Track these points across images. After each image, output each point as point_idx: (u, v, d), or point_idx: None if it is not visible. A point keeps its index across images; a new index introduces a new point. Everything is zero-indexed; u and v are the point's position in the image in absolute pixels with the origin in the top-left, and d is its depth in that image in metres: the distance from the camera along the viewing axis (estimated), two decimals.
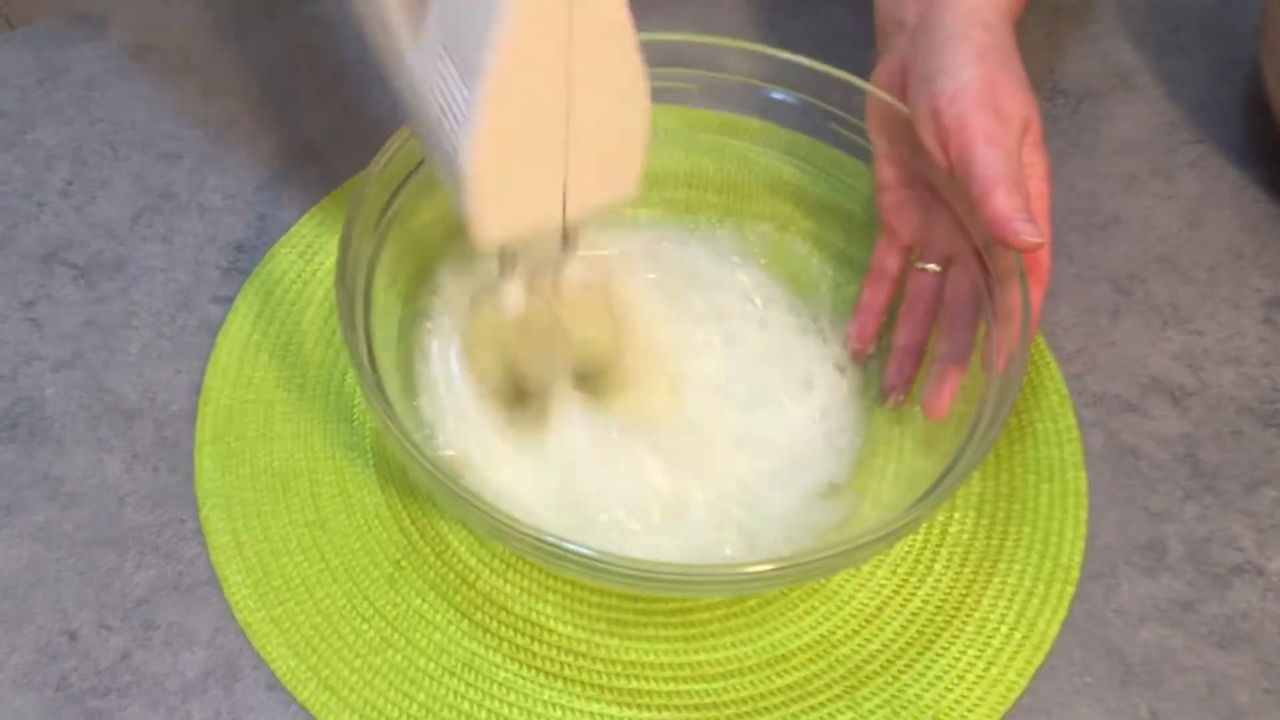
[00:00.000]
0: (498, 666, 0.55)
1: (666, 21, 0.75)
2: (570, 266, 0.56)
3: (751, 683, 0.55)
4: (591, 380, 0.58)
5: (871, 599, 0.58)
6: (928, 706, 0.55)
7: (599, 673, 0.55)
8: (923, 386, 0.59)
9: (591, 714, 0.54)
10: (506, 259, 0.54)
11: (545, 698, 0.54)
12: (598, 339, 0.59)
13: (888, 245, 0.62)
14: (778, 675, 0.55)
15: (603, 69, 0.46)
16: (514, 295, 0.55)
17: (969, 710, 0.55)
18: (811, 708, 0.55)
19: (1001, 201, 0.53)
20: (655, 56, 0.48)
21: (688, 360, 0.61)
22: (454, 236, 0.62)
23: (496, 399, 0.58)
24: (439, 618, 0.56)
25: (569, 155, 0.48)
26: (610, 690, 0.55)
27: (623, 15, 0.45)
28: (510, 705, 0.54)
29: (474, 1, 0.44)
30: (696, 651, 0.56)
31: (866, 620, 0.57)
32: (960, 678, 0.56)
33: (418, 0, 0.49)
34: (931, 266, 0.61)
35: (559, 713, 0.54)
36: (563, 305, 0.57)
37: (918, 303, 0.61)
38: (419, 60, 0.49)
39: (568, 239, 0.54)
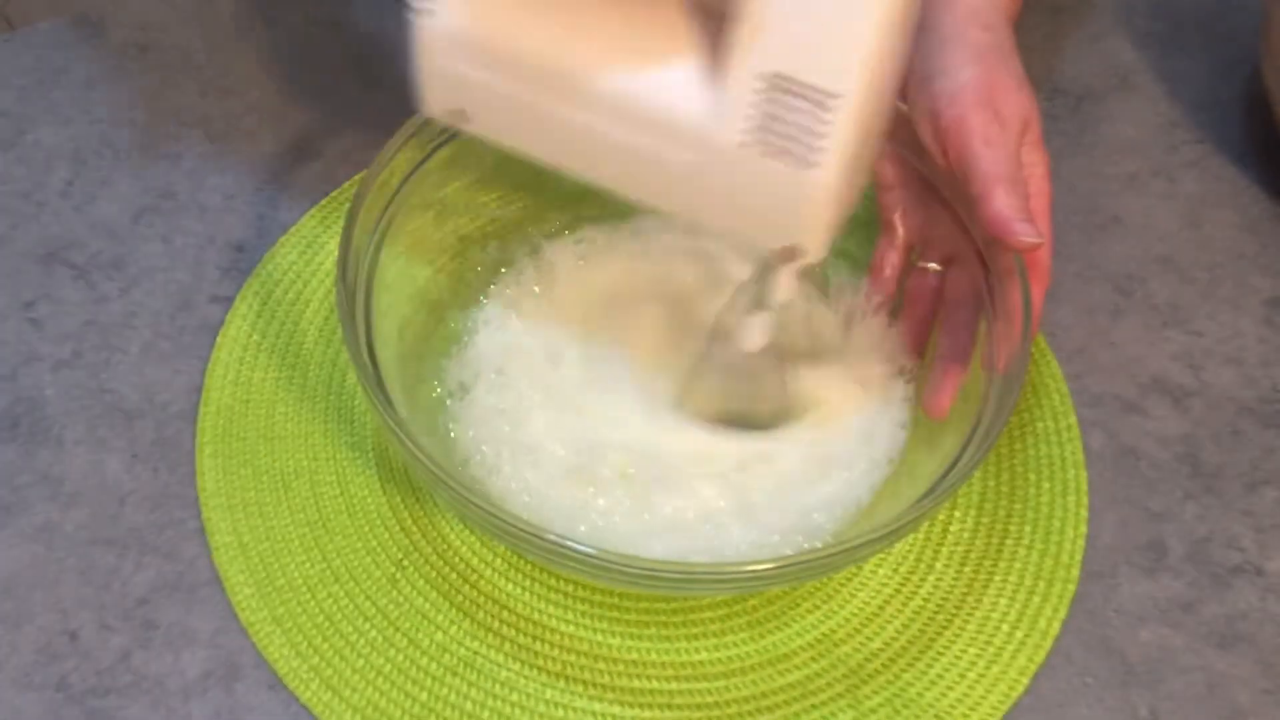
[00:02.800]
0: (500, 666, 0.55)
1: None
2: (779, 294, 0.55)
3: (753, 681, 0.55)
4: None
5: (872, 598, 0.58)
6: (928, 705, 0.55)
7: (601, 671, 0.55)
8: (923, 386, 0.59)
9: (593, 713, 0.54)
10: (760, 296, 0.54)
11: (547, 697, 0.54)
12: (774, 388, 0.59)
13: (888, 244, 0.62)
14: (779, 674, 0.55)
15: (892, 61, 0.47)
16: (761, 328, 0.55)
17: (970, 709, 0.55)
18: (813, 706, 0.55)
19: (1000, 202, 0.53)
20: None
21: None
22: (454, 239, 0.62)
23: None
24: (441, 617, 0.56)
25: (864, 155, 0.49)
26: (612, 689, 0.55)
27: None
28: (512, 704, 0.54)
29: (829, 17, 0.44)
30: (698, 650, 0.56)
31: (867, 619, 0.57)
32: (961, 676, 0.56)
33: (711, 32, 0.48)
34: (932, 266, 0.61)
35: (561, 712, 0.54)
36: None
37: (918, 302, 0.61)
38: (710, 95, 0.47)
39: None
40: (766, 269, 0.53)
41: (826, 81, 0.45)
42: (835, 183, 0.47)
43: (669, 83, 0.48)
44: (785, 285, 0.53)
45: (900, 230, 0.61)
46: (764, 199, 0.48)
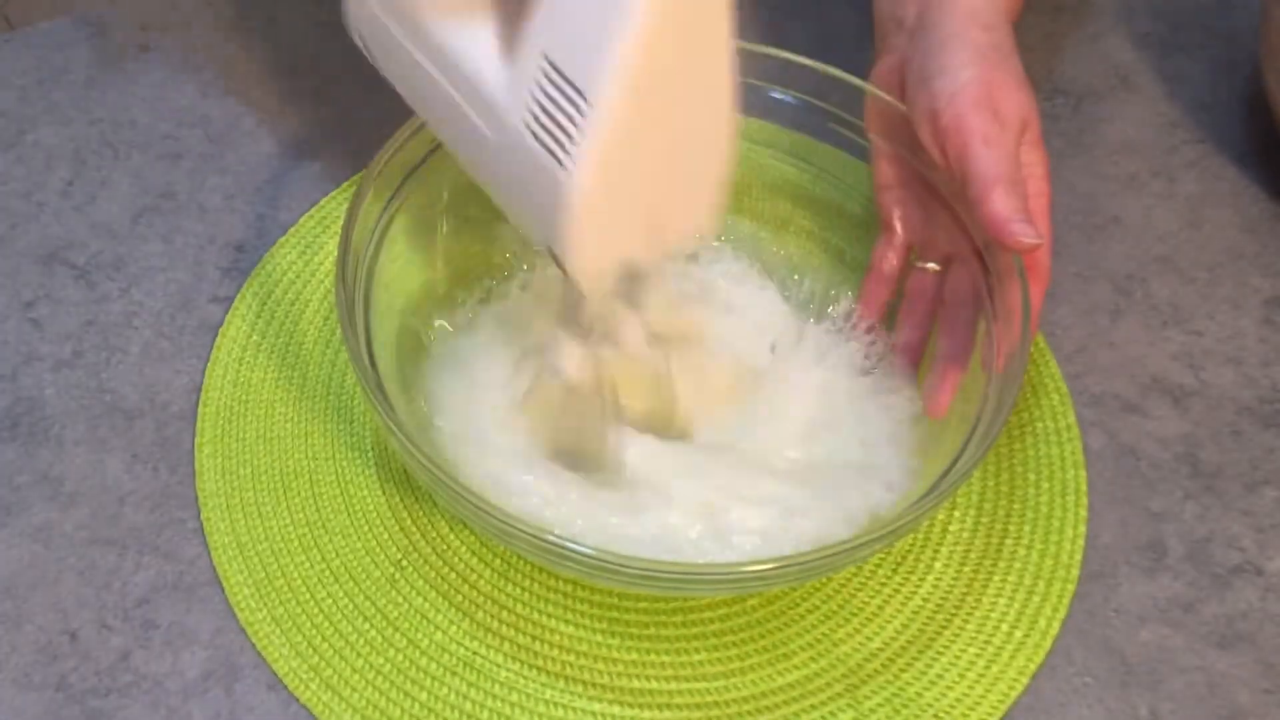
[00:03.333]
0: (499, 666, 0.55)
1: None
2: (633, 327, 0.53)
3: (752, 681, 0.55)
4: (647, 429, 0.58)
5: (872, 598, 0.58)
6: (928, 705, 0.55)
7: (600, 672, 0.55)
8: (923, 385, 0.59)
9: (593, 713, 0.54)
10: (568, 312, 0.52)
11: (547, 697, 0.54)
12: (654, 409, 0.57)
13: (887, 244, 0.62)
14: (778, 674, 0.55)
15: (705, 90, 0.44)
16: (572, 357, 0.53)
17: (969, 709, 0.55)
18: (812, 706, 0.55)
19: (999, 202, 0.53)
20: None
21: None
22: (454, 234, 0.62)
23: (550, 456, 0.57)
24: (440, 617, 0.56)
25: (668, 185, 0.46)
26: (612, 689, 0.55)
27: (728, 37, 0.43)
28: (512, 705, 0.54)
29: (596, 10, 0.42)
30: (697, 650, 0.56)
31: (867, 619, 0.57)
32: (961, 676, 0.56)
33: (505, 9, 0.46)
34: (931, 265, 0.61)
35: (561, 712, 0.54)
36: (619, 371, 0.55)
37: (917, 302, 0.61)
38: (497, 72, 0.46)
39: (631, 291, 0.52)
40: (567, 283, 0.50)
41: (581, 82, 0.42)
42: (589, 195, 0.44)
43: (481, 42, 0.45)
44: (578, 307, 0.51)
45: (899, 230, 0.62)
46: (534, 191, 0.46)
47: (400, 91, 0.52)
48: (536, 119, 0.45)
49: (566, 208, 0.45)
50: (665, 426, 0.58)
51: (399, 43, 0.49)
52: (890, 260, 0.62)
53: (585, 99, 0.43)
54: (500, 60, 0.46)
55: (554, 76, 0.43)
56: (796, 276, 0.65)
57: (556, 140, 0.44)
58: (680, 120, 0.44)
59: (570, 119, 0.43)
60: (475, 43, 0.47)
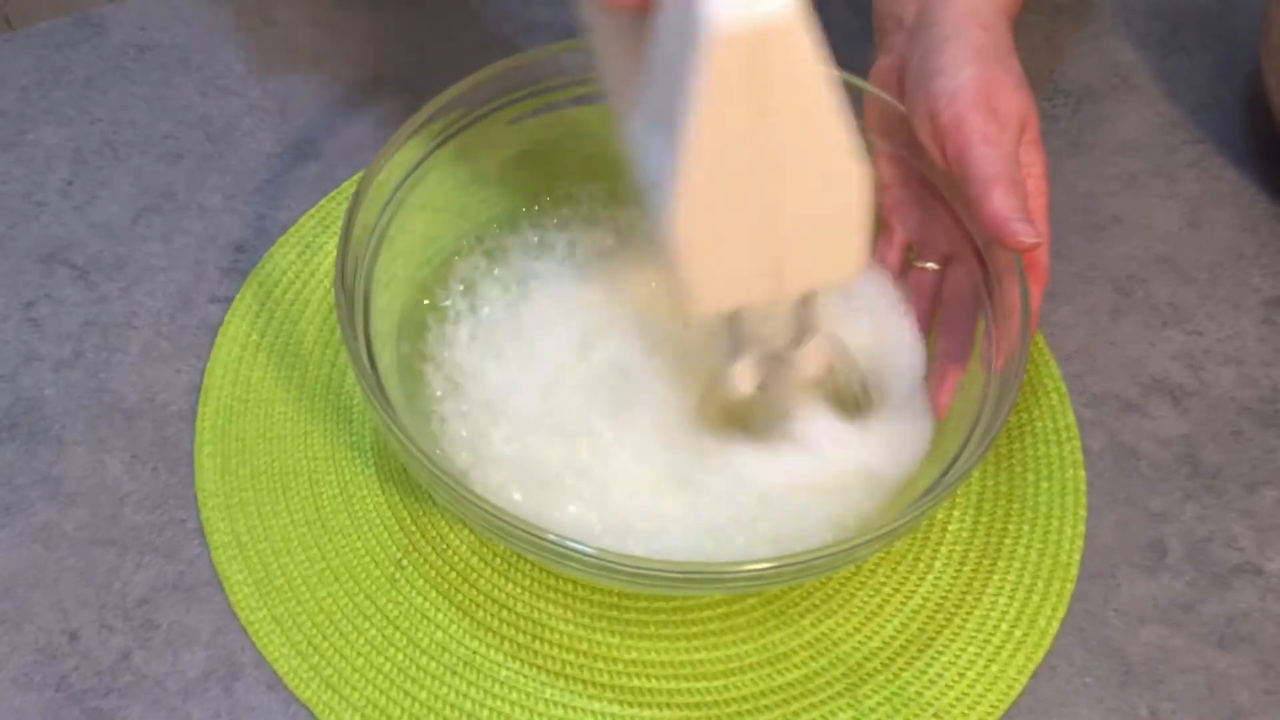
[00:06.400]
0: (499, 665, 0.55)
1: None
2: (801, 364, 0.54)
3: (752, 680, 0.55)
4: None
5: (872, 597, 0.58)
6: (928, 704, 0.55)
7: (600, 671, 0.55)
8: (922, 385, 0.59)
9: (593, 712, 0.54)
10: (734, 336, 0.53)
11: (547, 696, 0.54)
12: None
13: (886, 244, 0.62)
14: (778, 673, 0.55)
15: (806, 137, 0.45)
16: (742, 377, 0.54)
17: (969, 708, 0.55)
18: (812, 705, 0.55)
19: (999, 202, 0.53)
20: None
21: None
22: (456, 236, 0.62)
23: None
24: (440, 616, 0.56)
25: (782, 227, 0.47)
26: (612, 688, 0.55)
27: (820, 85, 0.44)
28: (512, 704, 0.54)
29: (673, 69, 0.43)
30: (697, 649, 0.56)
31: (867, 618, 0.57)
32: (960, 675, 0.56)
33: (633, 71, 0.48)
34: (930, 265, 0.61)
35: (560, 711, 0.54)
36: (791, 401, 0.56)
37: (917, 301, 0.61)
38: (635, 128, 0.48)
39: (801, 329, 0.53)
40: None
41: (668, 127, 0.45)
42: (683, 239, 0.46)
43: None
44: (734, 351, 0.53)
45: (898, 230, 0.62)
46: (662, 242, 0.48)
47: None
48: (647, 170, 0.47)
49: (665, 247, 0.47)
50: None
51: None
52: (889, 260, 0.62)
53: (671, 146, 0.44)
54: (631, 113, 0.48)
55: (650, 129, 0.46)
56: None
57: (658, 187, 0.46)
58: (784, 159, 0.45)
59: (664, 166, 0.45)
60: (621, 100, 0.49)
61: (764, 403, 0.57)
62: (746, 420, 0.58)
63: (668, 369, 0.59)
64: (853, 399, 0.57)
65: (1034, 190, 0.56)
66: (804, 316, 0.54)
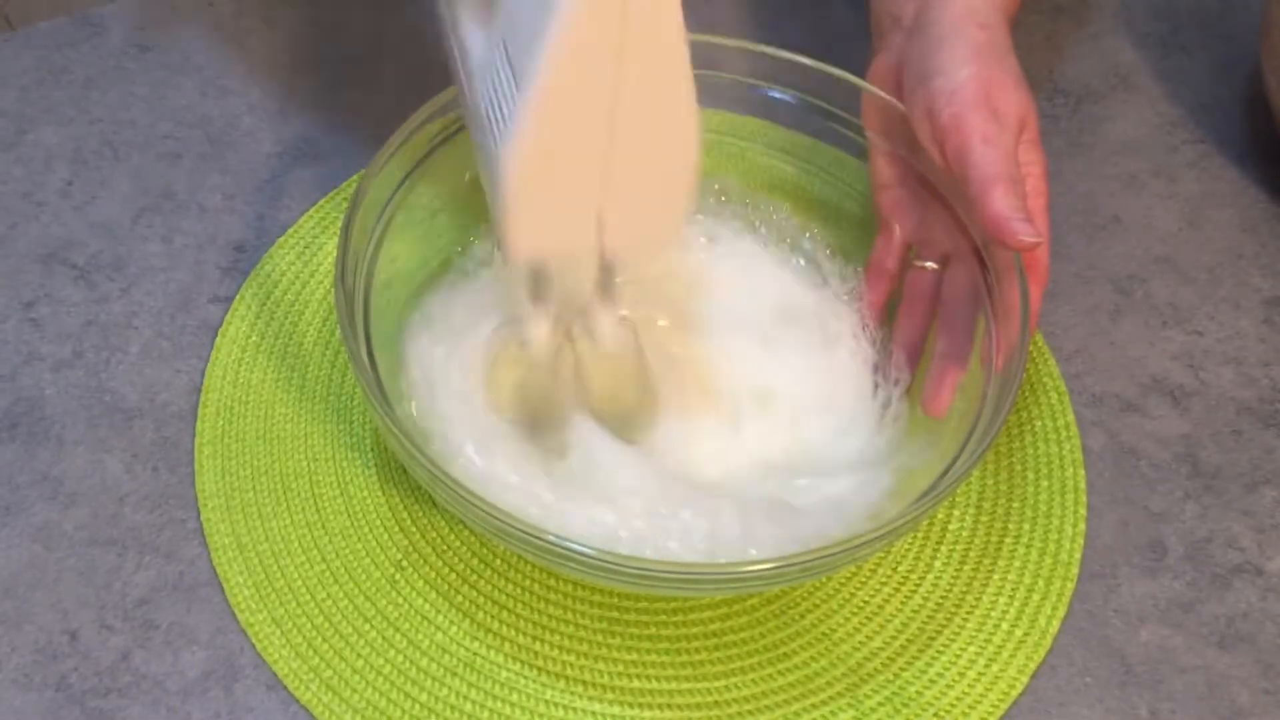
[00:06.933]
0: (499, 666, 0.55)
1: None
2: (604, 319, 0.54)
3: (753, 681, 0.55)
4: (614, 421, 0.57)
5: (872, 597, 0.58)
6: (928, 704, 0.55)
7: (601, 672, 0.55)
8: (922, 384, 0.59)
9: (593, 713, 0.54)
10: (536, 286, 0.53)
11: (547, 697, 0.54)
12: (623, 398, 0.57)
13: (886, 243, 0.62)
14: (779, 673, 0.55)
15: (653, 98, 0.45)
16: (539, 330, 0.54)
17: (969, 708, 0.55)
18: (813, 705, 0.55)
19: (998, 201, 0.53)
20: None
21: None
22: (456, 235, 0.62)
23: (514, 426, 0.57)
24: (440, 618, 0.56)
25: (610, 181, 0.47)
26: (612, 689, 0.55)
27: (679, 47, 0.44)
28: (512, 705, 0.54)
29: (533, 3, 0.43)
30: (698, 650, 0.56)
31: (867, 618, 0.57)
32: (961, 675, 0.56)
33: None
34: (930, 264, 0.61)
35: (561, 712, 0.54)
36: (592, 358, 0.55)
37: (917, 300, 0.61)
38: (481, 50, 0.48)
39: (604, 281, 0.53)
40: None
41: (518, 66, 0.44)
42: (515, 178, 0.45)
43: (476, 25, 0.48)
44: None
45: (898, 229, 0.62)
46: (488, 169, 0.47)
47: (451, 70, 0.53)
48: (489, 99, 0.46)
49: (496, 183, 0.47)
50: (629, 423, 0.58)
51: (443, 18, 0.51)
52: (889, 259, 0.62)
53: (518, 83, 0.44)
54: (484, 42, 0.48)
55: (502, 60, 0.45)
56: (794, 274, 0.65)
57: (498, 121, 0.46)
58: (625, 118, 0.45)
59: (508, 101, 0.45)
60: (474, 26, 0.49)
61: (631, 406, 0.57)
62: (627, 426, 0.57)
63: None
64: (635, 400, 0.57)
65: (1033, 190, 0.56)
66: (606, 283, 0.53)
